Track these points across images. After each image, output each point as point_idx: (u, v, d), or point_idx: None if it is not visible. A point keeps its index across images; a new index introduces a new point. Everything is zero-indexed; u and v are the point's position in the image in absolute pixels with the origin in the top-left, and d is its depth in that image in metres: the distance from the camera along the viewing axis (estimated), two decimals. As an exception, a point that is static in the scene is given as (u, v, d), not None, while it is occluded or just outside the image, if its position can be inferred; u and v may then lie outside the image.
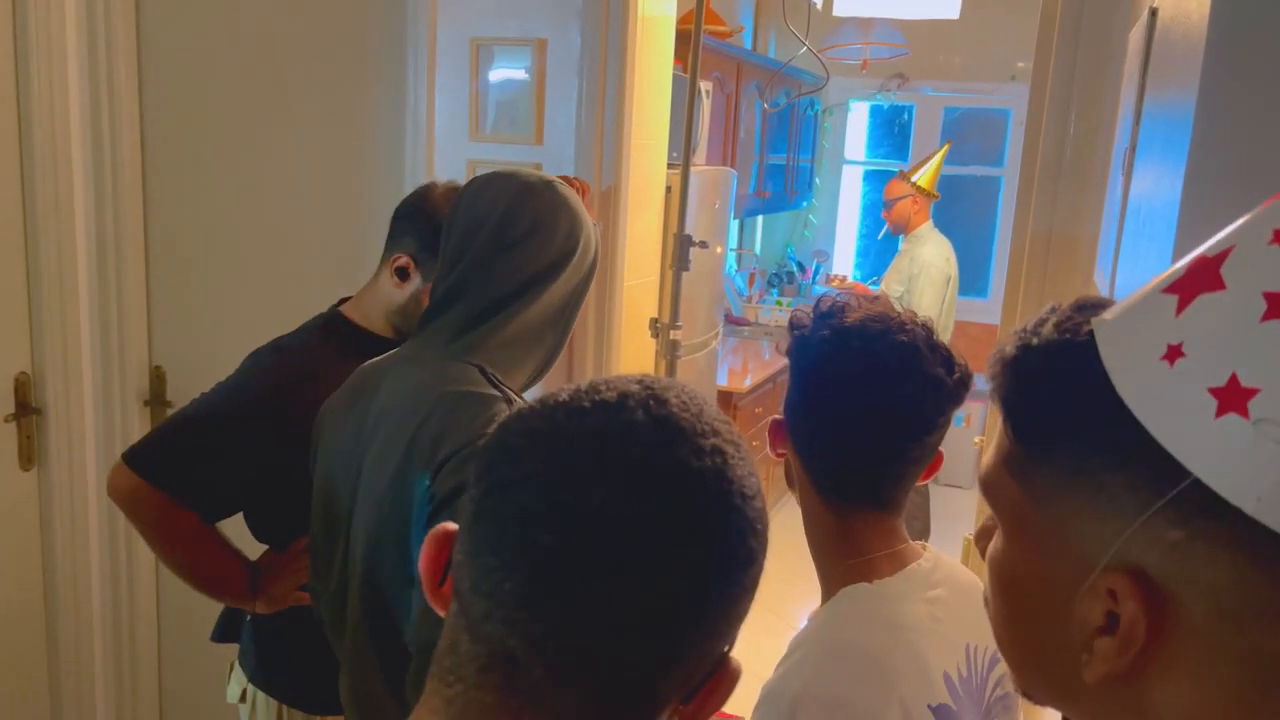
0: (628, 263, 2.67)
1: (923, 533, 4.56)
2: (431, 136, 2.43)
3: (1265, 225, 0.53)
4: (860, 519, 1.09)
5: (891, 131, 6.56)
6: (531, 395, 0.88)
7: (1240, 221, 0.54)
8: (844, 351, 1.05)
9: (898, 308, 1.10)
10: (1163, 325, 0.54)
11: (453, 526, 0.66)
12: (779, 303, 6.10)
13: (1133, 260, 1.29)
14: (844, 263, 6.69)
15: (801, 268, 6.56)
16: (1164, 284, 0.55)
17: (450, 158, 2.43)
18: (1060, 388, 0.58)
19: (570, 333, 1.44)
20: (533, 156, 2.40)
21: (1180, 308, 0.53)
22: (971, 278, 5.54)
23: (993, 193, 6.16)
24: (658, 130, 2.86)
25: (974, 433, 5.12)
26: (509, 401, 1.30)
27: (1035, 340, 0.60)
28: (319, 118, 2.58)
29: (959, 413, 5.30)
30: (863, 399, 1.05)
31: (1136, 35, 1.50)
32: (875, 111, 6.54)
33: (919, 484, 4.41)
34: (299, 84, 2.59)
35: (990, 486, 0.63)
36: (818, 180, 6.48)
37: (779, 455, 1.13)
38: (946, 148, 4.76)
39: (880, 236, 5.00)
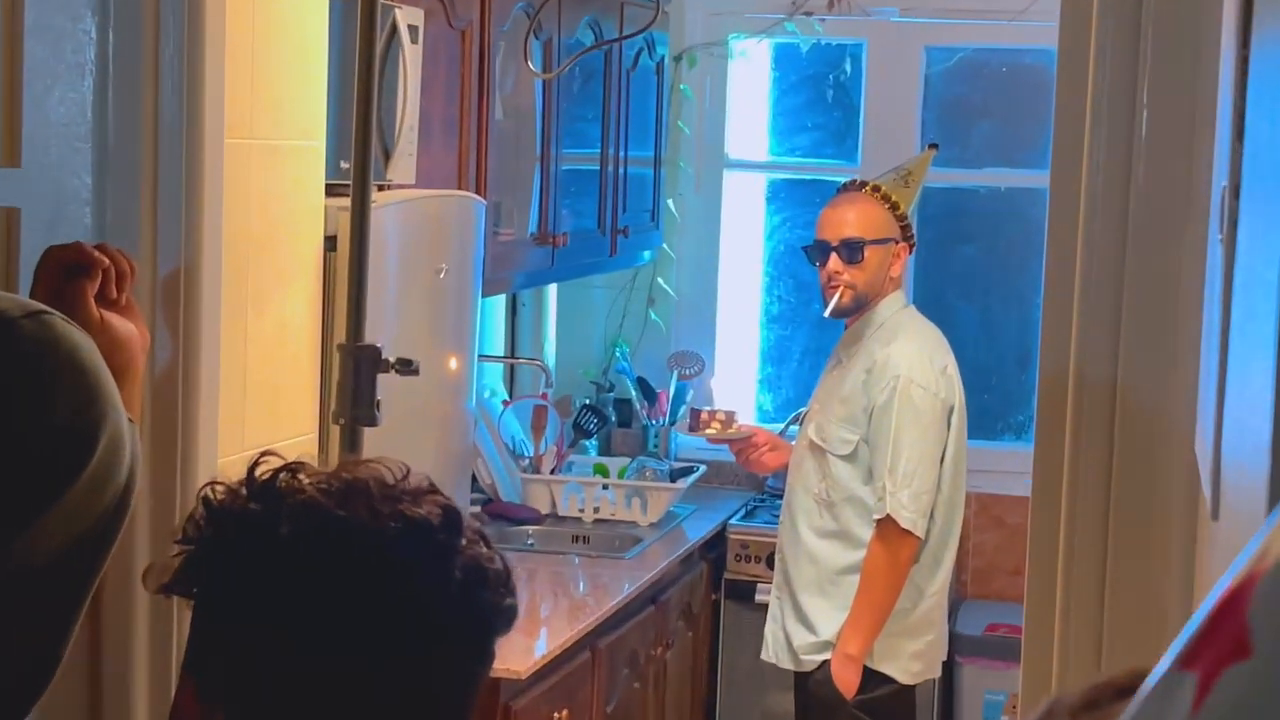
0: (248, 410, 1.69)
1: None
2: None
3: None
4: None
5: (822, 99, 3.66)
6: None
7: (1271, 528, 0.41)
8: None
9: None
10: None
11: None
12: (600, 469, 3.25)
13: (1240, 385, 0.97)
14: (736, 375, 3.53)
15: (647, 390, 3.48)
16: (1177, 649, 0.43)
17: None
18: None
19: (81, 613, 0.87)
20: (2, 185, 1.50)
21: (1200, 695, 0.40)
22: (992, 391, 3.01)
23: (1035, 211, 2.85)
24: (301, 120, 1.81)
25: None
26: None
27: None
28: None
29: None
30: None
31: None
32: (784, 59, 3.74)
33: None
34: None
35: None
36: (671, 204, 3.52)
37: None
38: (932, 151, 2.75)
39: (828, 315, 2.67)
